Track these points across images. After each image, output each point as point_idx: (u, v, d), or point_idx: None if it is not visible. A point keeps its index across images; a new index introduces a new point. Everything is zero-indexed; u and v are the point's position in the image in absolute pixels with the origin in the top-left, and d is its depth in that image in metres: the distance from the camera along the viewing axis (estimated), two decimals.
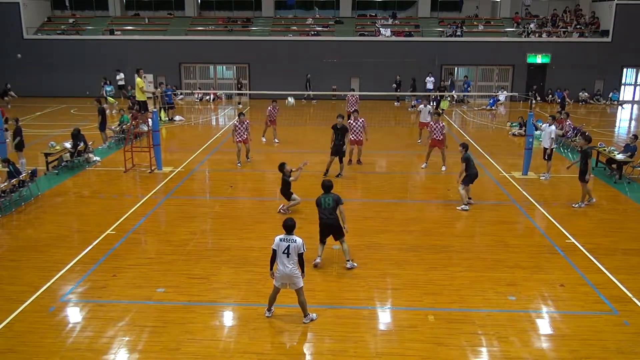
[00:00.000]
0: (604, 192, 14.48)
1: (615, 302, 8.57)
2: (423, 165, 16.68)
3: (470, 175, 12.90)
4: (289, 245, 7.63)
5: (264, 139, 20.07)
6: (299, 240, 7.69)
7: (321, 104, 30.07)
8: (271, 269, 7.88)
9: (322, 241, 9.77)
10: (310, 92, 30.97)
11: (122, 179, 15.46)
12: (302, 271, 7.86)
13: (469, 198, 13.20)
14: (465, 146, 13.03)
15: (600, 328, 7.87)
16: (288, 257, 7.65)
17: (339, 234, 9.69)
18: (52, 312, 8.19)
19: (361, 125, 16.05)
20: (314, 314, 8.02)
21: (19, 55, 31.89)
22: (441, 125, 16.18)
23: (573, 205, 13.12)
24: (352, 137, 16.06)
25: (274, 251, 7.72)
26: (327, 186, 9.76)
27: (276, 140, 20.07)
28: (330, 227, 9.59)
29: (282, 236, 7.75)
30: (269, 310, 8.05)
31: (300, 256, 7.71)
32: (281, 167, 12.30)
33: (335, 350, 7.29)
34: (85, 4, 37.06)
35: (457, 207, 12.97)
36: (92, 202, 13.36)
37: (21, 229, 11.66)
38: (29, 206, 13.05)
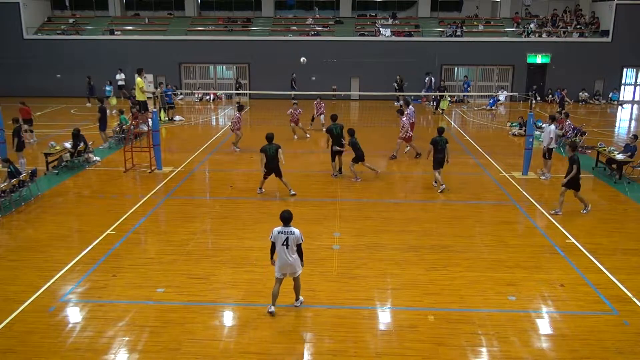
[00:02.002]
0: (604, 192, 14.50)
1: (615, 302, 8.57)
2: (416, 156, 17.74)
3: (435, 159, 14.02)
4: (287, 237, 7.76)
5: (296, 137, 20.87)
6: (297, 231, 7.82)
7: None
8: (272, 257, 8.02)
9: (266, 178, 13.58)
10: (294, 92, 30.99)
11: (122, 179, 15.46)
12: (301, 261, 8.02)
13: (436, 182, 14.36)
14: (439, 130, 14.16)
15: (600, 328, 7.87)
16: (287, 248, 7.79)
17: (279, 174, 13.45)
18: (52, 312, 8.19)
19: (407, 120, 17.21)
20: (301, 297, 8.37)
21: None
22: (403, 120, 17.45)
23: (582, 211, 12.81)
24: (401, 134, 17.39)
25: (273, 243, 7.87)
26: (269, 138, 13.25)
27: (307, 135, 21.43)
28: (275, 169, 13.30)
29: (279, 228, 7.86)
30: (273, 304, 8.09)
31: (299, 247, 7.88)
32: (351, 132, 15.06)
33: (335, 350, 7.29)
34: (85, 4, 37.04)
35: (436, 184, 14.35)
36: (92, 202, 13.36)
37: (21, 229, 11.66)
38: (29, 206, 13.04)
